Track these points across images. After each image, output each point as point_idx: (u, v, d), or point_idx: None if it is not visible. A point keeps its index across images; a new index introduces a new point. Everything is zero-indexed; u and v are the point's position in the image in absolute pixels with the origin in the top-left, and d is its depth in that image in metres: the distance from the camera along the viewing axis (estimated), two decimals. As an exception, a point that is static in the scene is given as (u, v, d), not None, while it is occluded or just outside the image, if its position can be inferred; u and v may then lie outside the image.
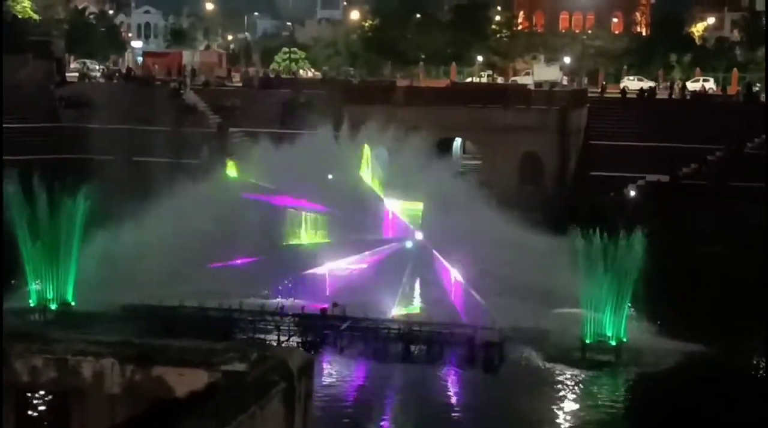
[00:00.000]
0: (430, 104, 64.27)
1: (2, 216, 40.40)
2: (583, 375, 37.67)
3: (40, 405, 8.47)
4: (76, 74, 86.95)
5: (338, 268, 45.05)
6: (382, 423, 33.50)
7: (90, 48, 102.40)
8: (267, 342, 38.88)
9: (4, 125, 61.42)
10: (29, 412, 8.37)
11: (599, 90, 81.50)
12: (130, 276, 41.00)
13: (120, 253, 42.40)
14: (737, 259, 45.17)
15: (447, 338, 40.20)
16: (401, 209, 46.34)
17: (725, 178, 57.30)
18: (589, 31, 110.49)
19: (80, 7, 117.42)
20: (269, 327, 41.55)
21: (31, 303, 41.90)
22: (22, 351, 8.00)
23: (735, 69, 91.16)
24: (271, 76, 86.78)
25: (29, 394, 8.31)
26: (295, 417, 8.01)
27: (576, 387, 36.71)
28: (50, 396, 8.35)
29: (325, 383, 34.87)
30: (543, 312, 39.92)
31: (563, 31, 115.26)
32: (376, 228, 46.58)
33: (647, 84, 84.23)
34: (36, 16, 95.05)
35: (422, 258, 44.29)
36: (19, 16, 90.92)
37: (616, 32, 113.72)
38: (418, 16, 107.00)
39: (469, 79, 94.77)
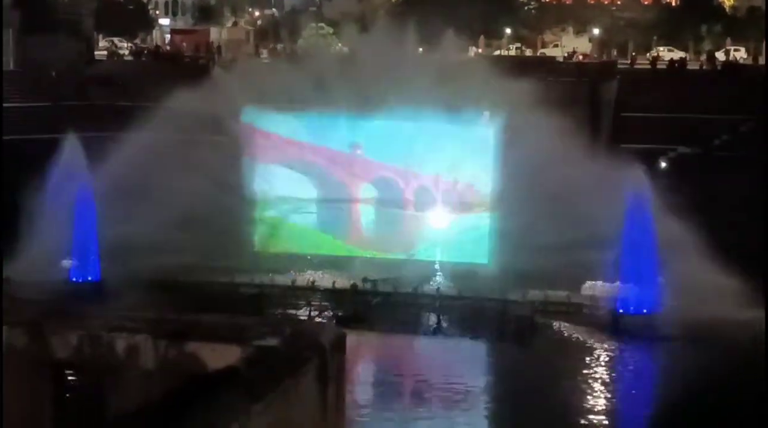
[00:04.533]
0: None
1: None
2: (615, 347, 37.61)
3: (76, 381, 8.55)
4: (105, 52, 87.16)
5: None
6: (413, 397, 33.58)
7: (118, 26, 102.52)
8: (298, 317, 39.12)
9: (34, 104, 61.81)
10: (65, 388, 8.44)
11: (629, 61, 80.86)
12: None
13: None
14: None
15: (478, 311, 40.30)
16: None
17: (758, 149, 56.71)
18: (618, 2, 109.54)
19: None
20: (300, 302, 41.78)
21: (64, 279, 42.22)
22: (57, 328, 8.05)
23: (766, 38, 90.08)
24: (299, 52, 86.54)
25: (65, 371, 8.37)
26: (328, 391, 8.03)
27: (608, 360, 36.66)
28: (86, 373, 8.41)
29: (356, 358, 34.96)
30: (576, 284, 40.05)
31: (592, 2, 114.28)
32: None
33: (677, 55, 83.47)
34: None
35: None
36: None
37: (646, 3, 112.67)
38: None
39: (497, 52, 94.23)
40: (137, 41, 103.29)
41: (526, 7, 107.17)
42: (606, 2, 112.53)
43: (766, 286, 36.95)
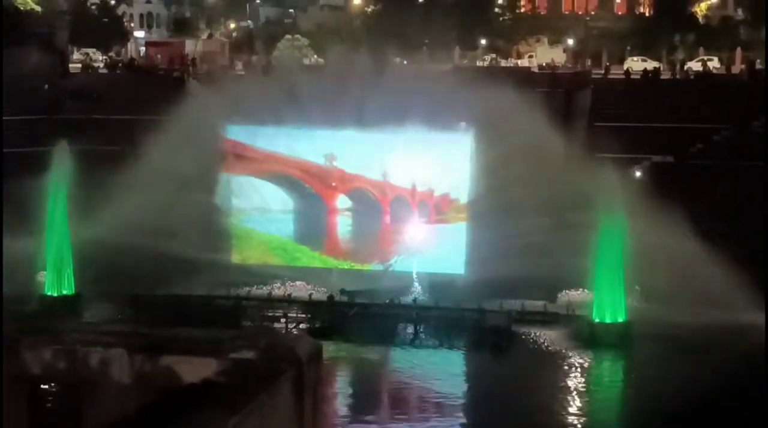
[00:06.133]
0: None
1: (1, 212, 40.47)
2: (591, 357, 37.74)
3: (52, 396, 8.52)
4: (79, 65, 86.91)
5: None
6: (390, 409, 33.58)
7: (93, 39, 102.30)
8: (275, 329, 39.05)
9: (9, 118, 61.48)
10: (41, 404, 8.40)
11: (603, 71, 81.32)
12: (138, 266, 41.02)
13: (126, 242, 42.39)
14: (744, 238, 45.08)
15: (455, 322, 40.37)
16: None
17: (731, 158, 57.14)
18: (592, 13, 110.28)
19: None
20: (277, 314, 41.74)
21: (39, 293, 41.99)
22: (31, 344, 8.01)
23: (739, 48, 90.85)
24: (274, 63, 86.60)
25: (41, 386, 8.34)
26: (304, 404, 8.02)
27: (585, 369, 36.78)
28: (61, 388, 8.38)
29: (333, 369, 34.96)
30: (552, 293, 40.23)
31: (566, 12, 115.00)
32: None
33: (651, 64, 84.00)
34: (38, 8, 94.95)
35: None
36: (21, 9, 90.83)
37: (620, 13, 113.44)
38: (421, 0, 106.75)
39: (461, 63, 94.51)
40: (112, 54, 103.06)
41: (501, 18, 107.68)
42: (580, 13, 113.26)
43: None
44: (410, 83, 46.59)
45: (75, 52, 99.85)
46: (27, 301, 40.28)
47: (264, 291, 43.90)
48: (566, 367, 36.63)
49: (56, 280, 42.09)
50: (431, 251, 45.48)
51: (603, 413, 33.69)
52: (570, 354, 37.77)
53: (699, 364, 34.33)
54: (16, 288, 38.97)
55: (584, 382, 35.77)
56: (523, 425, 31.11)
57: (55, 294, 42.01)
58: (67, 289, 42.12)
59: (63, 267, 42.09)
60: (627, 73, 77.25)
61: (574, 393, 34.46)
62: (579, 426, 31.52)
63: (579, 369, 36.71)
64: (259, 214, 47.05)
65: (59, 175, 42.07)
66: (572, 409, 32.78)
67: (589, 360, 37.57)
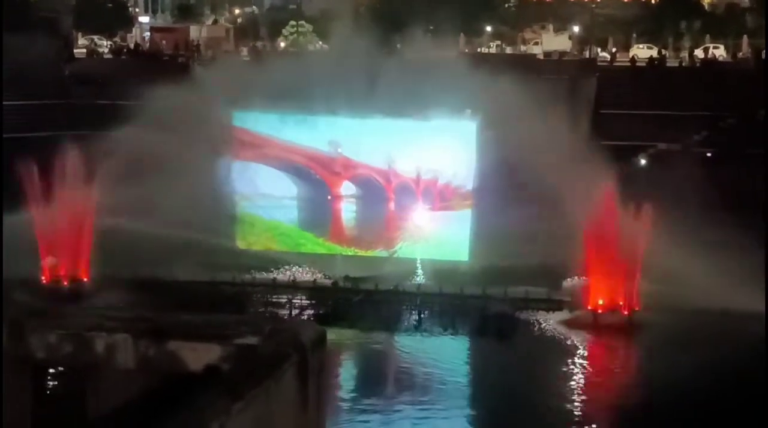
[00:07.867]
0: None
1: (2, 203, 40.51)
2: (595, 344, 37.79)
3: (56, 380, 8.56)
4: (84, 51, 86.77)
5: None
6: (394, 395, 33.63)
7: (97, 24, 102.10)
8: (279, 315, 39.13)
9: (15, 102, 61.51)
10: (45, 388, 8.42)
11: (609, 59, 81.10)
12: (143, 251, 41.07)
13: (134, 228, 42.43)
14: (749, 226, 45.02)
15: (459, 308, 40.44)
16: None
17: (737, 145, 57.03)
18: (598, 0, 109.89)
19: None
20: (281, 300, 41.84)
21: (44, 278, 42.09)
22: (37, 327, 8.03)
23: (745, 35, 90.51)
24: (279, 50, 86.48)
25: (46, 370, 8.36)
26: (308, 390, 8.03)
27: (588, 357, 36.84)
28: (65, 372, 8.41)
29: (337, 355, 35.02)
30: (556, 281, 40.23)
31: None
32: None
33: (654, 52, 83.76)
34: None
35: None
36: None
37: (625, 0, 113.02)
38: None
39: (477, 50, 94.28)
40: (116, 39, 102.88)
41: (506, 5, 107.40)
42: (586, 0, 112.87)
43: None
44: (415, 70, 46.51)
45: (80, 38, 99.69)
46: (32, 285, 40.38)
47: (268, 277, 44.00)
48: (569, 353, 36.67)
49: (63, 264, 42.19)
50: (436, 238, 45.53)
51: (605, 398, 33.73)
52: (573, 340, 37.82)
53: (701, 352, 34.35)
54: (22, 272, 39.07)
55: (586, 368, 35.80)
56: (527, 410, 31.15)
57: (62, 279, 42.12)
58: (74, 273, 42.21)
59: (70, 251, 42.17)
60: (633, 60, 77.00)
61: (576, 378, 34.50)
62: (581, 411, 31.57)
63: (582, 356, 36.75)
64: (264, 200, 47.11)
65: (68, 160, 42.20)
66: (574, 395, 32.83)
67: (591, 347, 37.62)
